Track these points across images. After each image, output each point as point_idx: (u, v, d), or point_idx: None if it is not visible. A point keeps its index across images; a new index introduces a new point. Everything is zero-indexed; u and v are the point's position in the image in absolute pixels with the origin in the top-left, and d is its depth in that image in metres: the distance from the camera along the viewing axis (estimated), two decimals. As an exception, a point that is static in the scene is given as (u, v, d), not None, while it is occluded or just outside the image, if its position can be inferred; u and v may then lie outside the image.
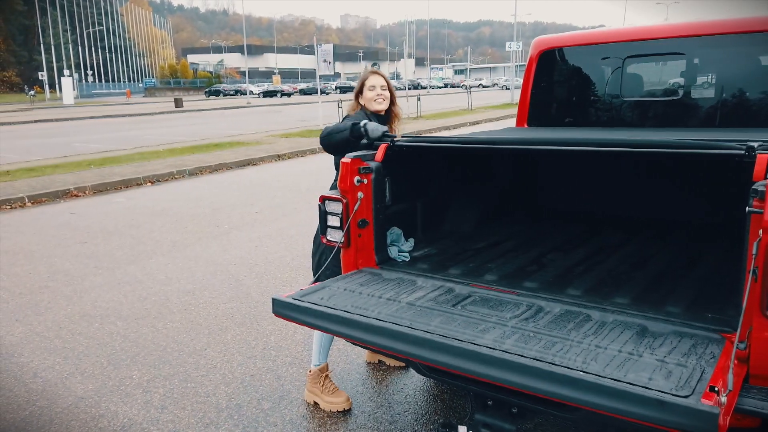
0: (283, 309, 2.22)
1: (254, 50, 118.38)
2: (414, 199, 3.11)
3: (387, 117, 3.34)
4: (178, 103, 40.12)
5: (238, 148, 15.53)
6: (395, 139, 2.75)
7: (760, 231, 1.61)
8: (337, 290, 2.36)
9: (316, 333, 3.18)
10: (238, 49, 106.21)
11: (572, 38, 3.87)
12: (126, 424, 3.20)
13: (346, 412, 3.23)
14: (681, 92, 3.51)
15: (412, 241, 2.96)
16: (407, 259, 2.83)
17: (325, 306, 2.15)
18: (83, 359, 4.01)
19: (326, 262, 2.76)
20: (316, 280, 2.50)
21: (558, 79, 3.94)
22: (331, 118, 20.92)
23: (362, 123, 2.84)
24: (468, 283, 2.45)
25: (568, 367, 1.59)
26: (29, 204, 9.46)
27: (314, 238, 3.26)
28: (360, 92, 3.30)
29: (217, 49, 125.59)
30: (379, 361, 3.75)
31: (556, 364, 1.61)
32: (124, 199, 9.79)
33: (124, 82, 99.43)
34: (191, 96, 65.94)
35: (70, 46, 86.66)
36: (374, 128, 2.86)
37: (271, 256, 6.25)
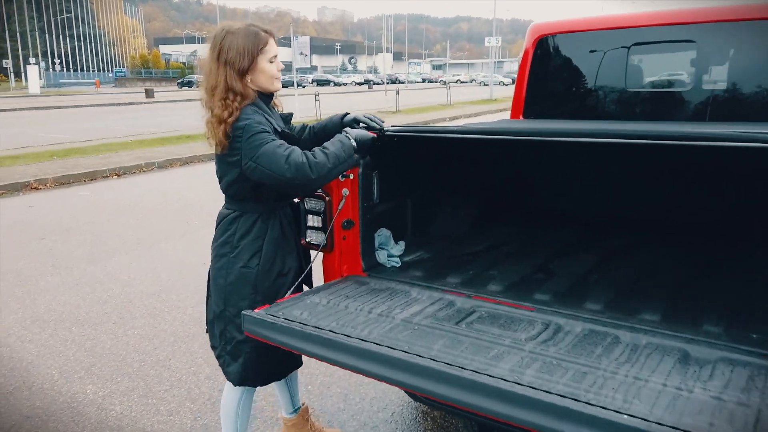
0: (255, 326, 1.88)
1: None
2: (404, 197, 2.80)
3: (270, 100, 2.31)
4: (149, 93, 39.06)
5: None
6: (386, 129, 2.42)
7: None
8: (320, 303, 2.03)
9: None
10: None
11: (572, 24, 3.58)
12: (75, 449, 2.83)
13: (326, 433, 2.90)
14: (691, 83, 3.25)
15: (402, 244, 2.65)
16: (398, 265, 2.51)
17: (305, 324, 1.81)
18: (32, 371, 3.60)
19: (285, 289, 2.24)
20: (295, 291, 2.15)
21: (556, 69, 3.66)
22: (308, 111, 20.47)
23: (353, 136, 2.20)
24: (470, 295, 2.14)
25: (609, 409, 1.29)
26: (-16, 197, 8.88)
27: (212, 290, 2.32)
28: (250, 67, 2.12)
29: (191, 40, 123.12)
30: None
31: (593, 405, 1.31)
32: (88, 193, 9.27)
33: (93, 71, 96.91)
34: (163, 87, 64.41)
35: (37, 33, 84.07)
36: (362, 135, 2.26)
37: (244, 255, 5.87)
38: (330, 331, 1.75)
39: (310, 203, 2.36)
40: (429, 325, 1.81)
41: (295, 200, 2.42)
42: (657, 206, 3.21)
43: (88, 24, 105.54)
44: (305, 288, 2.37)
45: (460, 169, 3.13)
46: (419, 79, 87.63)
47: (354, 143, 2.18)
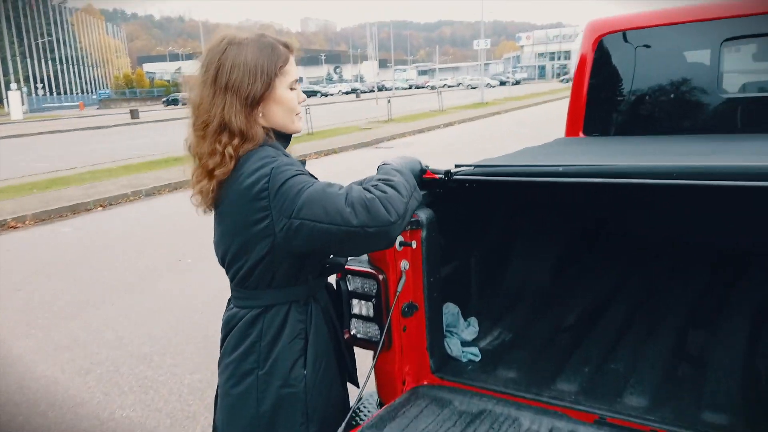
0: None
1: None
2: (467, 254, 2.12)
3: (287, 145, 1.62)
4: (134, 114, 38.25)
5: (201, 162, 14.27)
6: (453, 171, 1.74)
7: None
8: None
9: None
10: (197, 56, 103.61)
11: (643, 18, 2.94)
12: None
13: None
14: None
15: (474, 322, 1.97)
16: (478, 358, 1.83)
17: None
18: (-5, 482, 2.89)
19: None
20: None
21: (624, 75, 3.00)
22: (299, 124, 19.76)
23: (399, 165, 1.54)
24: (604, 417, 1.46)
25: None
26: (-43, 240, 8.12)
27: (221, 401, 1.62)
28: (264, 94, 1.47)
29: (175, 57, 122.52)
30: None
31: None
32: (70, 229, 8.53)
33: (76, 94, 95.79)
34: (148, 106, 63.54)
35: (18, 58, 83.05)
36: (408, 162, 1.60)
37: (247, 299, 5.16)
38: None
39: (356, 282, 1.67)
40: None
41: (331, 278, 1.73)
42: None
43: (70, 46, 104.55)
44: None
45: (533, 206, 2.46)
46: (406, 86, 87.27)
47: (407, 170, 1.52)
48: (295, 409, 1.50)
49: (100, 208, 9.88)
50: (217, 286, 5.48)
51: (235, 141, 1.42)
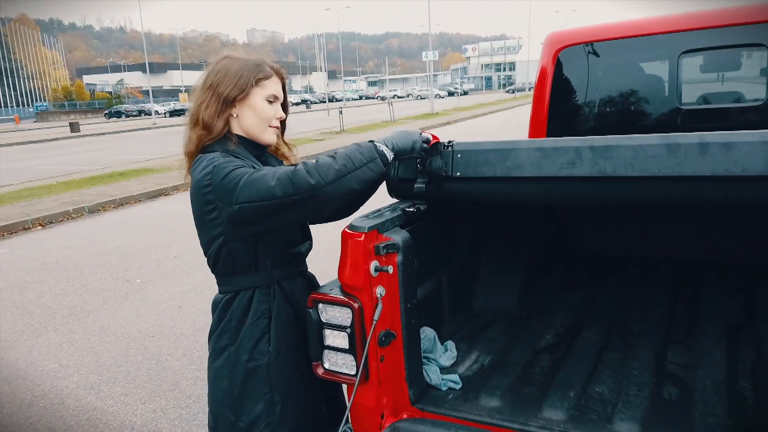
0: None
1: (157, 68, 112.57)
2: (438, 271, 2.04)
3: (266, 155, 1.82)
4: (74, 127, 36.72)
5: (147, 177, 13.80)
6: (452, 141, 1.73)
7: None
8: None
9: None
10: (139, 67, 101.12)
11: (602, 31, 2.95)
12: None
13: None
14: (764, 96, 2.66)
15: (452, 346, 1.89)
16: (458, 386, 1.74)
17: None
18: None
19: None
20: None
21: (585, 85, 3.01)
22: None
23: (382, 141, 1.60)
24: None
25: None
26: None
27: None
28: (238, 97, 1.66)
29: (116, 68, 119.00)
30: None
31: None
32: (6, 251, 8.03)
33: (11, 107, 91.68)
34: (89, 119, 61.31)
35: (-54, 70, 78.76)
36: (403, 138, 1.65)
37: (200, 320, 4.94)
38: None
39: (328, 312, 1.56)
40: None
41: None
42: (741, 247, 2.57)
43: (4, 58, 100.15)
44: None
45: (497, 225, 2.40)
46: (356, 96, 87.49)
47: (384, 148, 1.58)
48: (260, 380, 1.67)
49: (40, 227, 9.36)
50: (168, 308, 5.23)
51: (202, 132, 1.65)
